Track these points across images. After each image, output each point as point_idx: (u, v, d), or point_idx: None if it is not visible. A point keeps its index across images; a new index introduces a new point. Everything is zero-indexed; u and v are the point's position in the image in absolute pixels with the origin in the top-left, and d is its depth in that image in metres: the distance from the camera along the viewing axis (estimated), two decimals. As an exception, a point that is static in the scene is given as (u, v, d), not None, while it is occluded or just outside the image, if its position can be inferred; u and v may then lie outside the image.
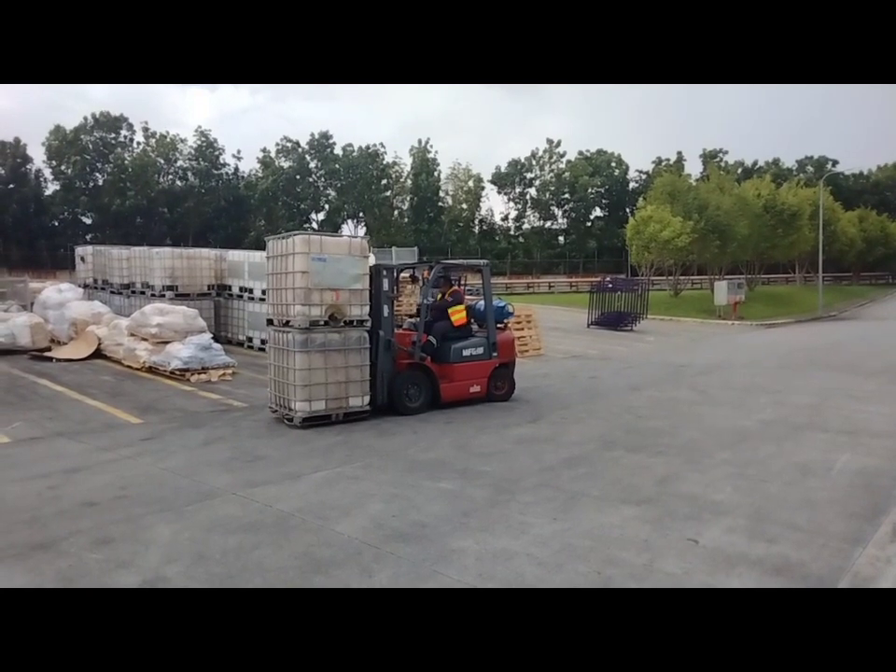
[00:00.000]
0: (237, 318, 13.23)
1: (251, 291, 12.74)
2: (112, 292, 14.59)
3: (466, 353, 8.45)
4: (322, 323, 7.19)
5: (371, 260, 8.49)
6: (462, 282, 9.54)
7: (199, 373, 9.64)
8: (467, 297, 9.42)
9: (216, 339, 10.79)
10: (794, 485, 5.33)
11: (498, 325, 9.03)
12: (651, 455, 6.26)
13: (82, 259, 16.24)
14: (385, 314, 7.74)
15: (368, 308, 7.53)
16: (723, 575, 3.68)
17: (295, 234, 7.35)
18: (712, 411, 8.39)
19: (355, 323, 7.43)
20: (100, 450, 6.28)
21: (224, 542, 4.10)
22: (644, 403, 8.88)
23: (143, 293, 13.18)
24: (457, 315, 8.51)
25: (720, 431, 7.23)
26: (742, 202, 31.81)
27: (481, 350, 8.57)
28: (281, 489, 5.15)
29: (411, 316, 9.87)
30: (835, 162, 61.84)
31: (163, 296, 12.43)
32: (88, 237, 42.55)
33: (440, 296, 8.82)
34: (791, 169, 60.89)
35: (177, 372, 9.56)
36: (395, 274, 8.26)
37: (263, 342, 12.39)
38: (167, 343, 9.95)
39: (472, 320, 8.82)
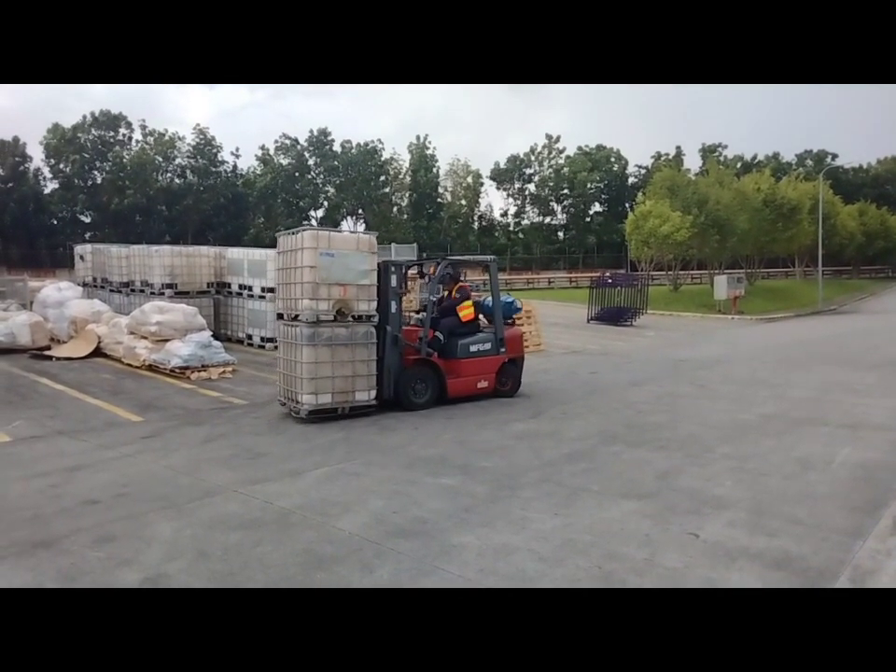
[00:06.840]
0: (237, 316, 13.24)
1: (250, 289, 12.74)
2: (111, 290, 14.59)
3: (473, 348, 8.44)
4: (330, 318, 7.21)
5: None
6: (463, 278, 9.53)
7: (199, 371, 9.64)
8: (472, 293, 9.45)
9: (215, 337, 10.80)
10: (794, 479, 5.34)
11: (506, 321, 9.01)
12: (652, 449, 6.26)
13: (81, 257, 16.23)
14: (393, 309, 7.75)
15: (375, 304, 7.56)
16: (724, 569, 3.68)
17: (304, 230, 7.34)
18: (712, 405, 8.40)
19: (362, 318, 7.45)
20: (101, 448, 6.28)
21: (225, 539, 4.10)
22: (644, 398, 8.88)
23: (142, 291, 13.18)
24: (465, 310, 8.52)
25: (720, 425, 7.23)
26: (741, 196, 31.74)
27: (488, 346, 8.56)
28: (282, 486, 5.16)
29: (417, 312, 9.84)
30: (835, 156, 61.66)
31: (163, 294, 12.42)
32: (87, 236, 42.45)
33: (446, 292, 8.81)
34: (791, 163, 60.67)
35: (177, 370, 9.56)
36: (403, 271, 8.24)
37: (263, 339, 12.41)
38: (167, 340, 9.95)
39: (480, 316, 8.81)
